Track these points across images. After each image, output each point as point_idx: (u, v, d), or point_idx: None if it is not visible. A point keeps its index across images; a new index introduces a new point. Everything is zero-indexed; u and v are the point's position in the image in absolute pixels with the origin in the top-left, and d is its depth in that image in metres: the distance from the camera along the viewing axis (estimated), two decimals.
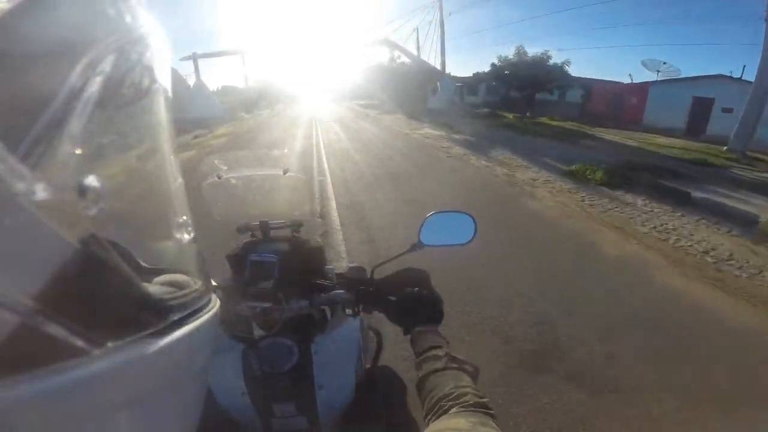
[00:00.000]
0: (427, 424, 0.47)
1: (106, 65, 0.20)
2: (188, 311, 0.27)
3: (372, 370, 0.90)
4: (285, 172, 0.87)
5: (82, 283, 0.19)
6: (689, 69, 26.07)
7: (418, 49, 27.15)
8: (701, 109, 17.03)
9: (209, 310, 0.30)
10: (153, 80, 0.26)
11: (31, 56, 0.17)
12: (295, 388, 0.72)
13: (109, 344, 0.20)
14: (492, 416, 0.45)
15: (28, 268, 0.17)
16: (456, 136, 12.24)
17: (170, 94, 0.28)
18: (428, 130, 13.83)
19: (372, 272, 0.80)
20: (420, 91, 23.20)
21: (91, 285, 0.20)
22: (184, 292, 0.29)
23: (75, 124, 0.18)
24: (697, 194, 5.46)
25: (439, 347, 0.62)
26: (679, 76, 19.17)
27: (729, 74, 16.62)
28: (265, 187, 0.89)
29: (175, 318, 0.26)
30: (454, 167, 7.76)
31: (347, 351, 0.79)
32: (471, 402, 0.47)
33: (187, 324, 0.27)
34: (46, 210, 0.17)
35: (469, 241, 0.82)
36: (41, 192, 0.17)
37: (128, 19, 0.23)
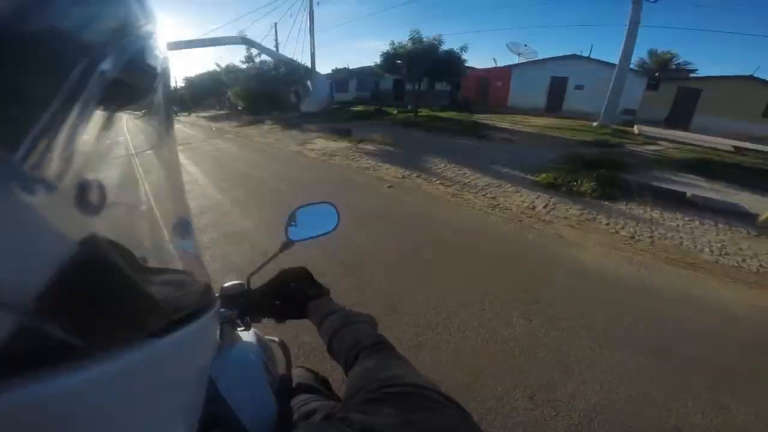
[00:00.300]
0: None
1: (107, 65, 0.20)
2: (188, 311, 0.27)
3: (286, 377, 0.89)
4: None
5: (82, 283, 0.19)
6: (547, 50, 27.98)
7: (276, 46, 22.91)
8: (558, 88, 18.35)
9: (209, 310, 0.30)
10: (154, 80, 0.26)
11: (31, 56, 0.17)
12: (215, 416, 0.66)
13: (109, 344, 0.20)
14: (392, 348, 0.52)
15: (28, 268, 0.17)
16: (365, 146, 9.19)
17: (171, 94, 0.28)
18: (323, 142, 10.05)
19: (248, 282, 0.80)
20: (288, 94, 19.92)
21: (91, 285, 0.20)
22: (184, 292, 0.29)
23: (75, 124, 0.19)
24: (692, 192, 5.31)
25: (333, 312, 0.66)
26: (537, 58, 20.10)
27: (580, 53, 17.75)
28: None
29: (175, 318, 0.26)
30: (412, 204, 4.95)
31: (250, 367, 0.77)
32: (370, 344, 0.52)
33: (187, 324, 0.27)
34: (46, 210, 0.17)
35: (334, 229, 0.87)
36: (41, 192, 0.17)
37: (129, 19, 0.23)
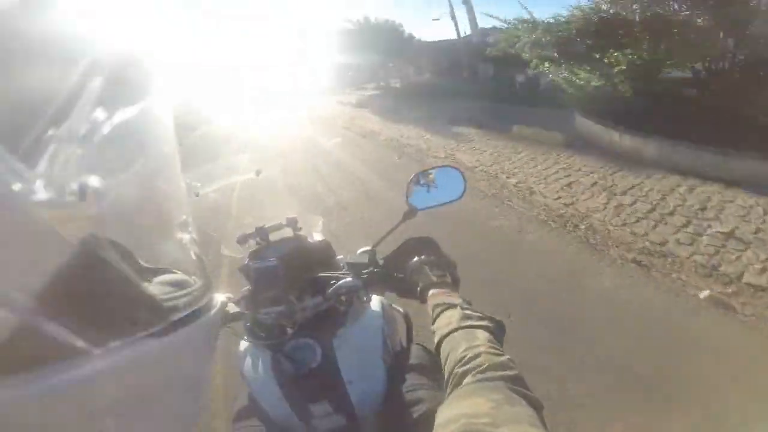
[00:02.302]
0: (446, 399, 0.40)
1: (107, 66, 0.20)
2: (188, 311, 0.27)
3: (403, 353, 0.86)
4: (258, 174, 0.86)
5: (82, 283, 0.19)
6: None
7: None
8: None
9: (209, 310, 0.30)
10: (154, 81, 0.26)
11: (31, 56, 0.17)
12: (325, 386, 0.71)
13: (109, 344, 0.20)
14: (514, 379, 0.39)
15: (28, 268, 0.17)
16: None
17: (171, 92, 0.28)
18: None
19: (373, 252, 0.78)
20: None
21: (91, 285, 0.20)
22: (184, 292, 0.29)
23: (75, 124, 0.19)
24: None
25: (453, 306, 0.56)
26: None
27: None
28: (246, 192, 0.86)
29: (175, 318, 0.26)
30: None
31: (371, 340, 0.77)
32: (486, 365, 0.41)
33: (187, 324, 0.27)
34: (46, 210, 0.17)
35: (461, 196, 0.80)
36: (41, 192, 0.17)
37: (129, 20, 0.23)
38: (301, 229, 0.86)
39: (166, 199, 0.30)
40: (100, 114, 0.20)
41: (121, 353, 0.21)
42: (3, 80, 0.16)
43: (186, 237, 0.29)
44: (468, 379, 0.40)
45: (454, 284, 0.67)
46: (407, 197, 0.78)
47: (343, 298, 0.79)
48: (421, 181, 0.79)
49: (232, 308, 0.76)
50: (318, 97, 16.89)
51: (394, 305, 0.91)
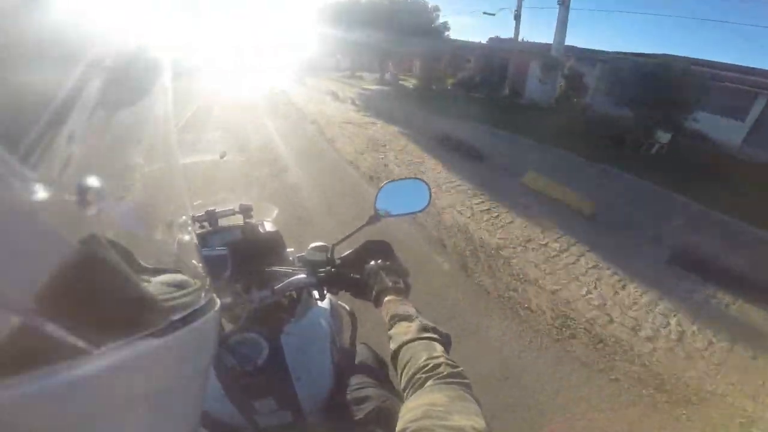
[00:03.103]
0: (406, 399, 0.46)
1: (107, 65, 0.20)
2: (188, 311, 0.27)
3: (349, 351, 0.87)
4: (222, 156, 0.85)
5: (82, 283, 0.19)
6: None
7: None
8: None
9: (209, 310, 0.30)
10: (154, 80, 0.26)
11: (31, 56, 0.17)
12: (271, 382, 0.69)
13: (109, 344, 0.20)
14: (467, 386, 0.46)
15: (28, 268, 0.17)
16: None
17: (171, 92, 0.28)
18: None
19: (332, 251, 0.77)
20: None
21: (91, 285, 0.20)
22: (184, 292, 0.29)
23: (75, 124, 0.19)
24: None
25: (409, 317, 0.60)
26: None
27: None
28: (205, 173, 0.83)
29: (175, 318, 0.26)
30: None
31: (319, 337, 0.76)
32: (446, 373, 0.47)
33: (187, 324, 0.27)
34: (46, 210, 0.17)
35: (425, 207, 0.82)
36: (41, 192, 0.17)
37: (128, 19, 0.23)
38: (252, 217, 0.84)
39: (166, 199, 0.30)
40: (100, 114, 0.20)
41: (121, 353, 0.21)
42: (3, 80, 0.16)
43: (186, 237, 0.29)
44: (429, 383, 0.46)
45: (407, 291, 0.70)
46: (375, 203, 0.79)
47: (293, 294, 0.78)
48: (389, 190, 0.81)
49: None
50: (300, 85, 14.44)
51: (340, 302, 0.91)
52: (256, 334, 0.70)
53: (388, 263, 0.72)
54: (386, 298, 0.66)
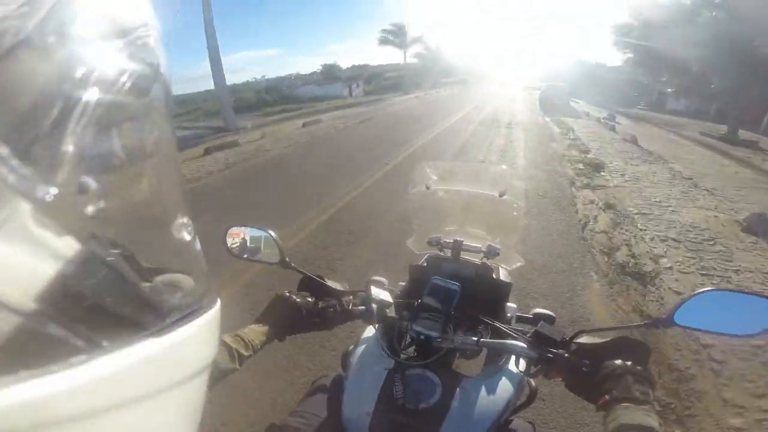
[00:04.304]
0: None
1: (107, 65, 0.20)
2: (188, 311, 0.27)
3: (509, 425, 0.72)
4: (501, 195, 0.78)
5: (82, 283, 0.19)
6: None
7: None
8: None
9: (209, 310, 0.30)
10: (154, 80, 0.25)
11: (31, 57, 0.17)
12: (419, 427, 0.62)
13: (109, 344, 0.20)
14: None
15: (29, 268, 0.17)
16: None
17: (171, 92, 0.27)
18: None
19: (571, 337, 0.64)
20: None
21: (91, 285, 0.20)
22: (184, 291, 0.29)
23: (75, 124, 0.18)
24: None
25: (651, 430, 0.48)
26: None
27: None
28: (473, 205, 0.81)
29: (175, 318, 0.26)
30: None
31: (493, 404, 0.65)
32: None
33: (187, 324, 0.27)
34: (46, 210, 0.17)
35: (756, 335, 0.56)
36: (41, 192, 0.17)
37: (128, 19, 0.23)
38: (494, 260, 0.78)
39: (167, 199, 0.29)
40: (100, 114, 0.20)
41: (121, 353, 0.21)
42: (3, 80, 0.16)
43: (186, 237, 0.28)
44: None
45: (651, 405, 0.54)
46: (676, 309, 0.59)
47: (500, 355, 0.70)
48: (708, 300, 0.58)
49: (378, 293, 0.71)
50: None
51: (527, 377, 0.75)
52: (436, 375, 0.65)
53: (639, 368, 0.58)
54: (622, 405, 0.53)
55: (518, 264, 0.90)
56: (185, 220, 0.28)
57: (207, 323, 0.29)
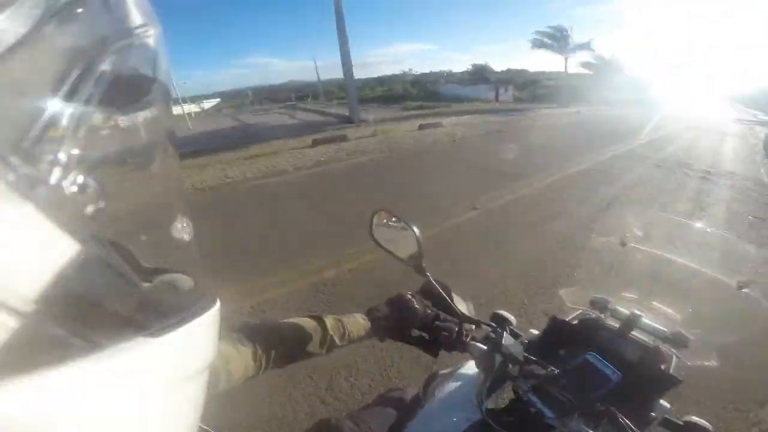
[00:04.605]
0: None
1: (107, 65, 0.20)
2: (188, 311, 0.27)
3: None
4: (741, 287, 0.62)
5: (82, 283, 0.19)
6: None
7: None
8: None
9: (209, 310, 0.30)
10: (154, 79, 0.26)
11: (31, 56, 0.17)
12: None
13: (109, 344, 0.20)
14: None
15: (28, 268, 0.17)
16: None
17: (170, 92, 0.29)
18: None
19: None
20: None
21: (91, 285, 0.20)
22: (183, 291, 0.29)
23: (75, 124, 0.19)
24: None
25: None
26: None
27: None
28: (686, 284, 0.65)
29: (175, 318, 0.26)
30: None
31: None
32: None
33: (187, 324, 0.27)
34: (46, 210, 0.17)
35: None
36: (41, 192, 0.17)
37: (130, 18, 0.23)
38: (684, 348, 0.63)
39: (166, 198, 0.30)
40: (100, 113, 0.20)
41: (120, 353, 0.21)
42: (3, 80, 0.16)
43: (186, 237, 0.29)
44: None
45: None
46: None
47: None
48: None
49: (509, 342, 0.62)
50: None
51: None
52: None
53: None
54: None
55: (708, 363, 0.64)
56: (185, 219, 0.28)
57: (207, 323, 0.29)
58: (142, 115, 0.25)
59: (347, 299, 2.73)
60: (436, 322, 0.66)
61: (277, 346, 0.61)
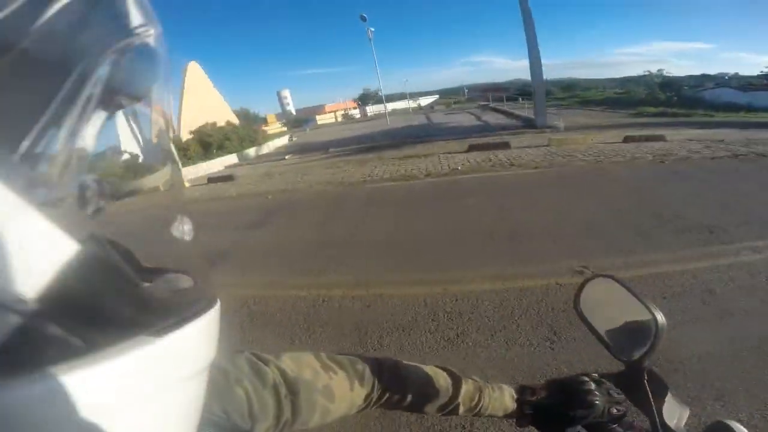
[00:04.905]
0: None
1: (107, 65, 0.20)
2: (188, 311, 0.27)
3: None
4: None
5: (82, 283, 0.19)
6: None
7: None
8: None
9: (209, 310, 0.30)
10: (154, 80, 0.26)
11: (31, 56, 0.17)
12: None
13: (109, 344, 0.20)
14: None
15: (28, 268, 0.17)
16: None
17: (170, 92, 0.29)
18: None
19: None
20: None
21: (91, 285, 0.20)
22: (183, 291, 0.29)
23: (75, 124, 0.19)
24: None
25: None
26: None
27: None
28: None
29: (175, 318, 0.26)
30: None
31: None
32: None
33: (187, 324, 0.27)
34: (46, 210, 0.17)
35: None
36: (41, 192, 0.17)
37: (129, 19, 0.23)
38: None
39: (166, 198, 0.30)
40: (100, 113, 0.20)
41: (120, 353, 0.21)
42: (3, 80, 0.16)
43: (186, 237, 0.29)
44: None
45: None
46: None
47: None
48: None
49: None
50: None
51: None
52: None
53: None
54: None
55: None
56: (185, 219, 0.28)
57: (207, 323, 0.29)
58: (143, 114, 0.25)
59: None
60: (612, 425, 0.51)
61: (397, 391, 0.55)
